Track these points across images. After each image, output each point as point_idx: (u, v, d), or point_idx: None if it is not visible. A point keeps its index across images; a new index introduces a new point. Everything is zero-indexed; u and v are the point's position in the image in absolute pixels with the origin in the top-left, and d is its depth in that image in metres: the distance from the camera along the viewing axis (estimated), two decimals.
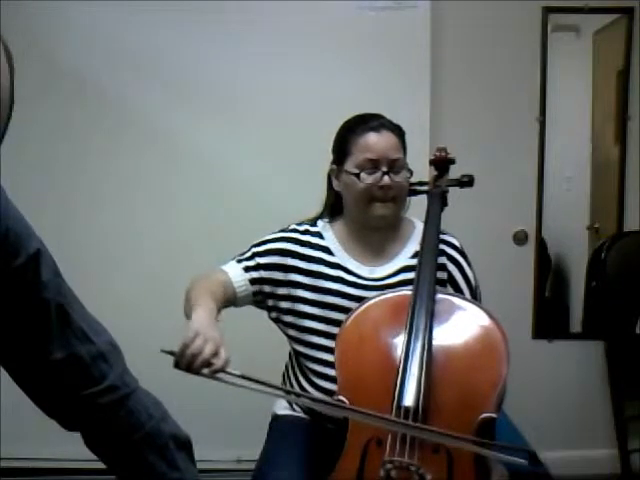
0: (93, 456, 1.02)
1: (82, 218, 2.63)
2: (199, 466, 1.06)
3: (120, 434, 0.99)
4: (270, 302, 1.72)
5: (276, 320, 1.74)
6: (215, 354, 1.33)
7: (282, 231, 1.75)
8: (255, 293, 1.70)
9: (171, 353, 1.33)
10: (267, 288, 1.70)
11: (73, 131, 2.61)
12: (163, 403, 1.05)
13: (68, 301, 0.95)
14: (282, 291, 1.70)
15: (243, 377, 1.31)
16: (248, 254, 1.72)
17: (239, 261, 1.71)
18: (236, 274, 1.68)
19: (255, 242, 1.74)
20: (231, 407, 2.48)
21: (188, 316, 1.48)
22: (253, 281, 1.69)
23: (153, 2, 2.58)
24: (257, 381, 1.32)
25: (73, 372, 0.94)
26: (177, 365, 1.34)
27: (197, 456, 1.06)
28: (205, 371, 1.33)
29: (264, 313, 1.75)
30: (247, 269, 1.69)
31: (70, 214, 2.62)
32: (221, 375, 1.33)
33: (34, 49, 2.48)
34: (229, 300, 1.65)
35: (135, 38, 2.60)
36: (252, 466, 1.70)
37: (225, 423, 2.58)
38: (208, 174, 2.64)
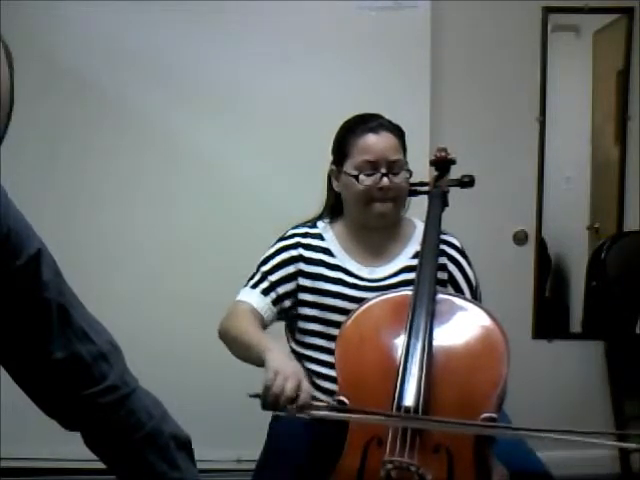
0: (93, 456, 1.02)
1: (82, 218, 2.63)
2: (199, 466, 1.06)
3: (120, 434, 0.99)
4: (292, 312, 1.72)
5: (292, 327, 1.75)
6: (298, 389, 1.36)
7: (281, 239, 1.75)
8: (279, 312, 1.70)
9: (257, 396, 1.37)
10: (287, 302, 1.70)
11: (73, 131, 2.61)
12: (163, 403, 1.05)
13: (69, 301, 0.95)
14: (297, 298, 1.70)
15: (330, 408, 1.39)
16: (258, 276, 1.70)
17: (254, 286, 1.69)
18: (258, 301, 1.67)
19: (260, 261, 1.73)
20: (231, 407, 2.47)
21: (246, 359, 1.54)
22: (274, 302, 1.68)
23: (153, 2, 2.59)
24: (344, 410, 1.38)
25: (73, 372, 0.94)
26: (264, 407, 1.37)
27: (197, 456, 1.06)
28: (292, 407, 1.36)
29: None
30: (265, 292, 1.68)
31: (70, 214, 2.62)
32: (308, 410, 1.37)
33: (34, 49, 2.48)
34: (262, 327, 1.65)
35: (135, 38, 2.60)
36: (252, 466, 1.70)
37: (225, 423, 2.58)
38: (208, 174, 2.64)
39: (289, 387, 1.35)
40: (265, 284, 1.69)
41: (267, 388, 1.36)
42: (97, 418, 0.97)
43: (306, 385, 1.39)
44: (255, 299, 1.67)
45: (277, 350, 1.46)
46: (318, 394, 1.66)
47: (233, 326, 1.62)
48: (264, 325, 1.67)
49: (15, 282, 0.89)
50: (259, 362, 1.46)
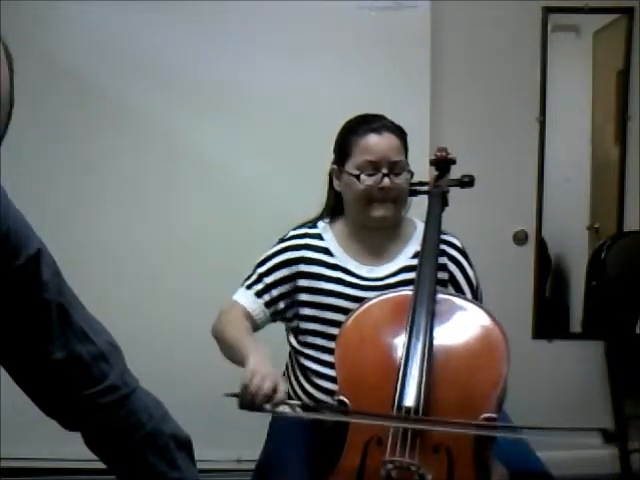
0: (93, 456, 1.02)
1: (82, 218, 2.63)
2: (199, 466, 1.06)
3: (120, 434, 0.99)
4: (289, 314, 1.73)
5: (292, 327, 1.75)
6: (274, 389, 1.39)
7: (281, 241, 1.75)
8: (272, 314, 1.71)
9: (234, 395, 1.40)
10: (282, 304, 1.71)
11: (73, 131, 2.61)
12: (163, 403, 1.05)
13: (68, 301, 0.95)
14: (294, 299, 1.71)
15: (304, 406, 1.43)
16: (254, 277, 1.71)
17: (249, 287, 1.71)
18: (250, 303, 1.69)
19: (258, 261, 1.73)
20: (231, 407, 2.47)
21: (232, 359, 1.57)
22: (267, 304, 1.70)
23: (154, 2, 2.58)
24: (316, 409, 1.43)
25: (73, 372, 0.94)
26: (241, 405, 1.40)
27: (197, 456, 1.06)
28: (268, 406, 1.39)
29: None
30: (259, 294, 1.70)
31: (70, 214, 2.62)
32: (283, 407, 1.41)
33: (34, 49, 2.48)
34: (254, 329, 1.68)
35: (135, 38, 2.60)
36: (252, 466, 1.70)
37: (225, 423, 2.57)
38: (208, 174, 2.64)
39: (266, 386, 1.38)
40: (260, 286, 1.70)
41: (245, 387, 1.39)
42: (97, 418, 0.97)
43: (282, 385, 1.41)
44: (248, 300, 1.69)
45: (258, 353, 1.48)
46: (318, 394, 1.66)
47: (223, 327, 1.64)
48: (256, 327, 1.68)
49: (15, 282, 0.89)
50: (242, 364, 1.48)
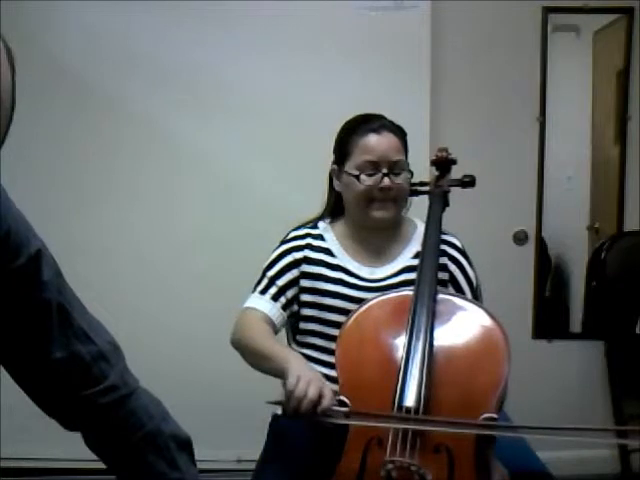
0: (93, 456, 1.02)
1: (82, 218, 2.63)
2: (199, 466, 1.05)
3: (120, 434, 0.99)
4: (301, 313, 1.72)
5: (293, 327, 1.75)
6: (320, 395, 1.37)
7: (283, 243, 1.74)
8: (289, 316, 1.70)
9: (278, 403, 1.37)
10: (295, 307, 1.70)
11: (73, 131, 2.61)
12: (163, 403, 1.05)
13: (69, 301, 0.95)
14: (300, 298, 1.70)
15: (351, 413, 1.37)
16: (266, 281, 1.69)
17: (262, 292, 1.68)
18: (269, 308, 1.66)
19: (265, 265, 1.71)
20: (231, 407, 2.48)
21: (260, 367, 1.54)
22: (284, 307, 1.68)
23: (154, 2, 2.58)
24: (366, 414, 1.37)
25: (74, 372, 0.94)
26: (285, 412, 1.37)
27: (197, 456, 1.06)
28: (314, 412, 1.36)
29: None
30: (275, 298, 1.67)
31: (70, 214, 2.62)
32: (329, 414, 1.37)
33: (34, 49, 2.47)
34: (275, 334, 1.66)
35: (135, 38, 2.60)
36: (252, 466, 1.70)
37: (225, 423, 2.58)
38: (209, 174, 2.64)
39: (312, 391, 1.36)
40: (273, 289, 1.68)
41: (290, 392, 1.36)
42: (97, 418, 0.97)
43: (328, 390, 1.39)
44: (266, 305, 1.66)
45: (297, 359, 1.47)
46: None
47: (248, 336, 1.61)
48: (276, 331, 1.67)
49: (15, 282, 0.89)
50: (279, 373, 1.46)
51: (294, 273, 1.69)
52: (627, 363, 2.70)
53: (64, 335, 0.93)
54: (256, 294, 1.69)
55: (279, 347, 1.55)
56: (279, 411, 1.40)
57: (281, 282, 1.68)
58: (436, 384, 1.42)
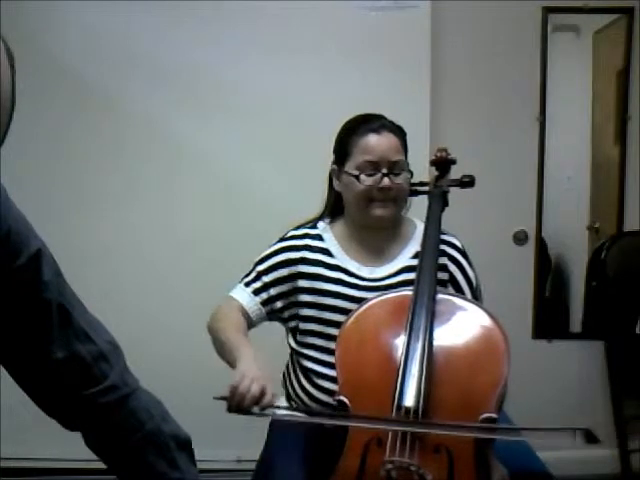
0: (93, 456, 1.02)
1: (82, 218, 2.63)
2: (199, 466, 1.06)
3: (121, 434, 0.99)
4: (286, 314, 1.73)
5: (291, 327, 1.75)
6: (262, 391, 1.40)
7: (281, 240, 1.75)
8: (268, 312, 1.72)
9: (223, 398, 1.40)
10: (279, 304, 1.71)
11: (73, 131, 2.61)
12: (164, 403, 1.05)
13: (69, 301, 0.95)
14: (291, 299, 1.71)
15: (291, 409, 1.44)
16: (253, 274, 1.72)
17: (247, 284, 1.72)
18: (247, 300, 1.70)
19: (257, 259, 1.74)
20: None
21: (223, 357, 1.58)
22: (264, 302, 1.70)
23: (154, 2, 2.58)
24: (306, 412, 1.45)
25: (74, 372, 0.94)
26: (229, 408, 1.41)
27: (197, 456, 1.06)
28: (255, 409, 1.40)
29: None
30: (256, 292, 1.70)
31: (70, 214, 2.62)
32: (270, 410, 1.42)
33: (34, 49, 2.47)
34: (249, 326, 1.69)
35: (135, 38, 2.60)
36: (252, 466, 1.70)
37: (225, 423, 2.57)
38: (209, 174, 2.64)
39: (254, 388, 1.39)
40: (258, 284, 1.71)
41: (234, 388, 1.40)
42: (97, 418, 0.97)
43: (270, 388, 1.42)
44: (245, 298, 1.70)
45: (248, 356, 1.49)
46: (319, 394, 1.66)
47: (218, 324, 1.65)
48: (251, 324, 1.69)
49: (15, 282, 0.89)
50: (232, 365, 1.50)
51: (284, 272, 1.70)
52: (627, 363, 2.70)
53: (64, 335, 0.93)
54: (241, 285, 1.72)
55: (240, 342, 1.56)
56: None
57: (267, 278, 1.70)
58: (436, 384, 1.42)
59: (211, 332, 1.67)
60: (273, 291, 1.70)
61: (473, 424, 1.38)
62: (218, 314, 1.68)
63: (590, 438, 1.39)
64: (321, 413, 1.43)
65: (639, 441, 2.69)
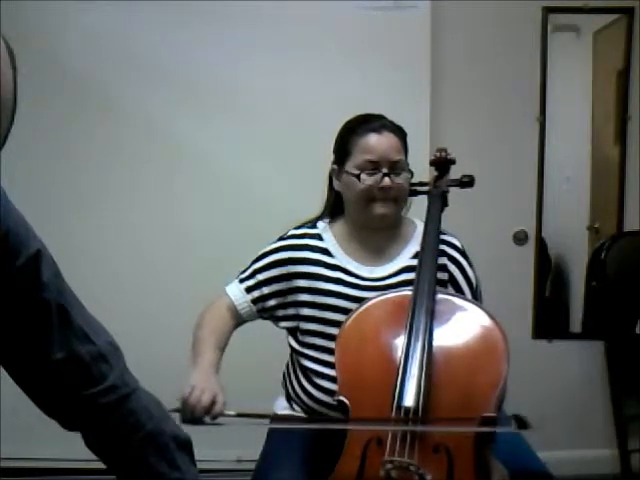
0: (93, 456, 1.02)
1: (82, 218, 2.63)
2: (199, 466, 1.06)
3: (120, 434, 0.99)
4: (280, 313, 1.73)
5: (286, 327, 1.75)
6: (213, 401, 1.45)
7: (280, 239, 1.75)
8: (259, 310, 1.73)
9: (177, 410, 1.43)
10: (272, 302, 1.72)
11: (73, 131, 2.61)
12: (164, 403, 1.05)
13: (68, 301, 0.95)
14: (288, 299, 1.71)
15: (240, 415, 1.47)
16: (249, 271, 1.73)
17: (241, 280, 1.74)
18: (238, 296, 1.72)
19: (255, 256, 1.75)
20: (231, 407, 2.48)
21: (193, 359, 1.59)
22: (255, 300, 1.71)
23: (154, 2, 2.58)
24: (255, 415, 1.49)
25: (73, 372, 0.94)
26: (183, 420, 1.43)
27: (197, 456, 1.06)
28: (207, 418, 1.44)
29: None
30: (248, 289, 1.72)
31: (70, 214, 2.62)
32: (221, 419, 1.47)
33: (34, 49, 2.47)
34: (238, 323, 1.72)
35: (135, 38, 2.60)
36: (252, 466, 1.70)
37: (225, 423, 2.58)
38: (209, 174, 2.64)
39: (204, 399, 1.43)
40: (252, 282, 1.72)
41: (184, 399, 1.44)
42: (97, 418, 0.98)
43: (221, 397, 1.46)
44: (237, 294, 1.72)
45: (201, 368, 1.53)
46: (319, 394, 1.67)
47: (200, 324, 1.68)
48: (241, 320, 1.72)
49: (14, 282, 0.89)
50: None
51: (279, 271, 1.71)
52: (627, 363, 2.70)
53: (64, 335, 0.93)
54: (236, 281, 1.75)
55: (205, 350, 1.59)
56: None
57: (262, 277, 1.71)
58: (435, 384, 1.42)
59: (193, 334, 1.68)
60: (266, 290, 1.71)
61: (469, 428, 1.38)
62: (205, 312, 1.71)
63: (521, 424, 1.40)
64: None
65: (639, 441, 2.69)
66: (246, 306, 1.71)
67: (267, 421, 1.64)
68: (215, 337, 1.64)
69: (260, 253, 1.74)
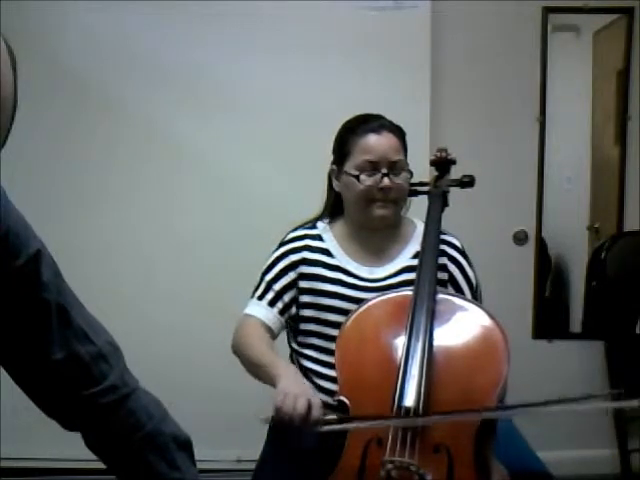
0: (93, 456, 1.02)
1: (82, 218, 2.63)
2: (199, 466, 1.06)
3: (120, 434, 0.99)
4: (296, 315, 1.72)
5: (292, 328, 1.74)
6: (309, 406, 1.38)
7: (282, 245, 1.74)
8: (286, 320, 1.70)
9: (270, 420, 1.39)
10: (293, 310, 1.70)
11: (73, 131, 2.61)
12: (163, 403, 1.05)
13: (68, 301, 0.95)
14: (300, 299, 1.70)
15: (342, 420, 1.39)
16: (263, 286, 1.70)
17: (260, 298, 1.69)
18: (265, 314, 1.67)
19: (263, 269, 1.72)
20: (231, 407, 2.48)
21: (257, 377, 1.55)
22: (281, 312, 1.69)
23: (153, 2, 2.58)
24: (355, 418, 1.40)
25: (73, 372, 0.94)
26: (278, 427, 1.40)
27: (197, 456, 1.06)
28: (305, 425, 1.37)
29: None
30: (271, 303, 1.68)
31: (70, 214, 2.62)
32: (321, 426, 1.39)
33: (34, 49, 2.47)
34: (272, 339, 1.67)
35: (135, 38, 2.60)
36: (252, 466, 1.70)
37: (225, 423, 2.58)
38: (209, 174, 2.64)
39: (299, 405, 1.37)
40: (270, 294, 1.68)
41: (278, 409, 1.38)
42: (97, 418, 0.97)
43: (316, 402, 1.40)
44: (263, 312, 1.67)
45: (288, 373, 1.48)
46: (319, 394, 1.66)
47: (244, 343, 1.62)
48: (274, 336, 1.67)
49: (14, 282, 0.89)
50: (270, 383, 1.48)
51: (291, 276, 1.69)
52: (627, 363, 2.70)
53: (63, 335, 0.93)
54: (254, 300, 1.69)
55: (271, 357, 1.55)
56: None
57: (278, 286, 1.69)
58: (436, 384, 1.42)
59: (237, 352, 1.64)
60: (286, 297, 1.69)
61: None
62: (240, 334, 1.65)
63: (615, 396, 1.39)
64: (365, 417, 1.40)
65: (639, 441, 2.69)
66: (276, 320, 1.67)
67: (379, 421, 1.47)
68: (272, 349, 1.59)
69: (267, 265, 1.72)
